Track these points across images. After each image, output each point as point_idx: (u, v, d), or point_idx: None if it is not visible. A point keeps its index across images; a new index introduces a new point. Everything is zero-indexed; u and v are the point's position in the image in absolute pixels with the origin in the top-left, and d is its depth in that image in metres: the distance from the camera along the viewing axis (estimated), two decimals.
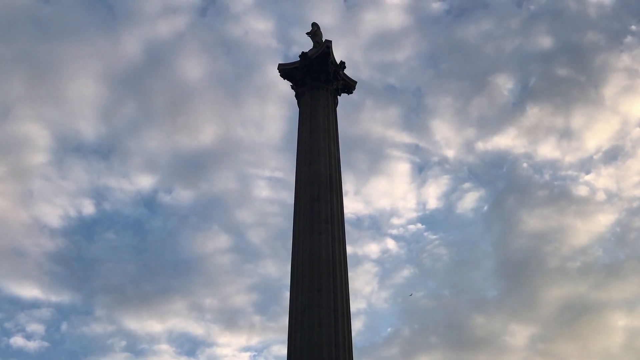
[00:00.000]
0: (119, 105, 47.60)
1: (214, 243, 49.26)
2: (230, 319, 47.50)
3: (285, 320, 16.42)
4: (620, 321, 46.65)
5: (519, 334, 45.97)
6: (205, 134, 49.04)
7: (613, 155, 49.80)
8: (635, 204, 48.74)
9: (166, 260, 50.17)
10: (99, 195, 49.49)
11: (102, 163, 49.77)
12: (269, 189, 48.71)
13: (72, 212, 48.54)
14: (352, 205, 46.38)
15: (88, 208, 49.17)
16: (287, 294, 16.73)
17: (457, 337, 46.09)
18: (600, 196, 48.90)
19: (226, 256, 49.43)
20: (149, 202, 52.23)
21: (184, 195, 50.42)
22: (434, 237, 52.02)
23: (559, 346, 46.33)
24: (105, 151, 49.46)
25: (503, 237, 48.77)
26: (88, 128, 46.91)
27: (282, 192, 46.84)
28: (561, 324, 46.42)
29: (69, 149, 48.50)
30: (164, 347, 46.91)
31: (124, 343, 47.24)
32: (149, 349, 47.34)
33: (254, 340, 48.43)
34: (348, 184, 45.54)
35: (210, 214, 50.36)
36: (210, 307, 47.42)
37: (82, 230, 50.77)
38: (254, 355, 48.85)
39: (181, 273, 48.88)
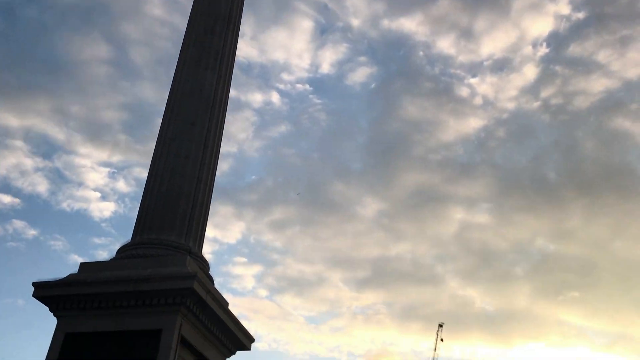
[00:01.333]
0: None
1: (92, 51, 46.49)
2: (95, 132, 46.35)
3: (152, 146, 16.29)
4: (458, 214, 51.56)
5: (369, 207, 49.54)
6: None
7: (501, 66, 52.19)
8: (504, 116, 52.23)
9: (36, 55, 46.76)
10: None
11: None
12: (163, 8, 46.00)
13: None
14: (245, 49, 45.36)
15: None
16: (160, 121, 16.47)
17: (314, 198, 48.77)
18: (478, 101, 51.75)
19: (102, 67, 47.06)
20: None
21: None
22: (318, 101, 52.86)
23: (400, 224, 50.61)
24: None
25: (381, 117, 50.72)
26: None
27: (176, 16, 44.46)
28: (408, 206, 50.45)
29: None
30: (19, 143, 45.22)
31: None
32: (1, 143, 45.31)
33: (116, 158, 48.06)
34: (246, 26, 44.07)
35: (93, 18, 46.97)
36: (77, 115, 45.74)
37: None
38: (113, 172, 48.61)
39: (50, 72, 46.10)
